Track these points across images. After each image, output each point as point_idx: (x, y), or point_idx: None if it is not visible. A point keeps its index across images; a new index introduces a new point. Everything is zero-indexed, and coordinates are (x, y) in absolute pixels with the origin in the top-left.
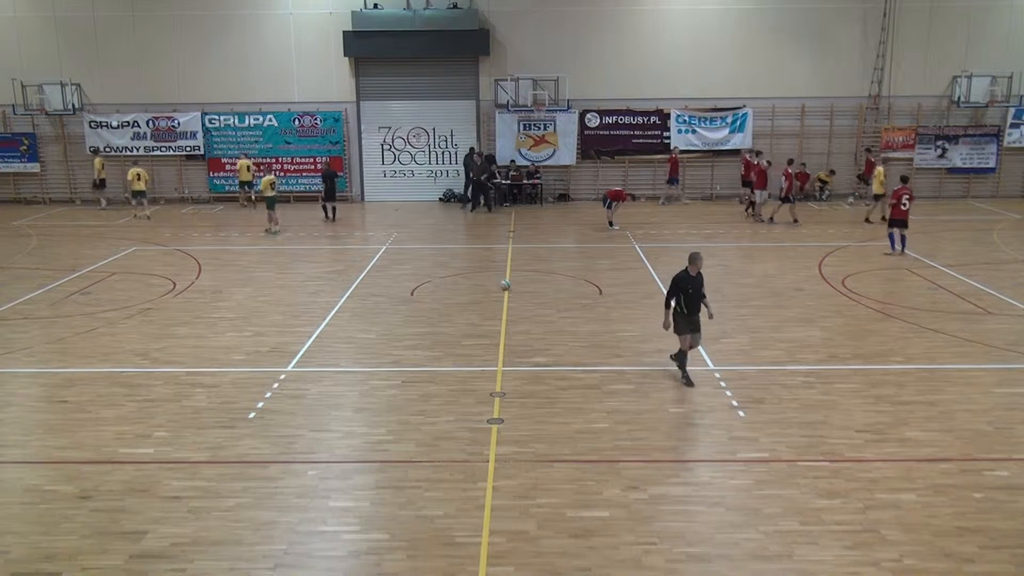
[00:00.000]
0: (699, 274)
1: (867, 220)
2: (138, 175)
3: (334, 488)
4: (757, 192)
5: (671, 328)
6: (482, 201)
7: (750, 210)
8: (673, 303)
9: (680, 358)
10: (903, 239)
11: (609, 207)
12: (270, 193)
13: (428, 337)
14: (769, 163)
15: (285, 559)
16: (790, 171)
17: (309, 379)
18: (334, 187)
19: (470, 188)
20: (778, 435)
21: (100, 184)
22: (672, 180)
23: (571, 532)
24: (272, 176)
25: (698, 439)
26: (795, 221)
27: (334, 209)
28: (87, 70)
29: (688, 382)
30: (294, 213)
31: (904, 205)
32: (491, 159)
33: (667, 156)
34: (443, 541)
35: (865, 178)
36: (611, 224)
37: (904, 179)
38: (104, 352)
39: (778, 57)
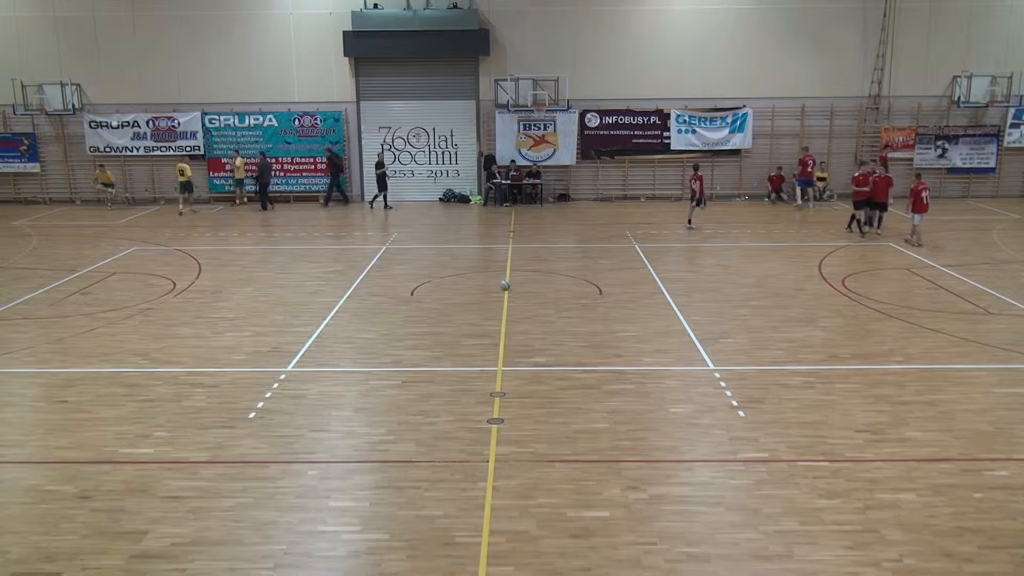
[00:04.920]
0: None
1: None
2: (104, 171)
3: (334, 488)
4: (916, 216)
5: None
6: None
7: (870, 227)
8: None
9: None
10: (880, 219)
11: (703, 205)
12: (182, 179)
13: (428, 337)
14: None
15: (285, 559)
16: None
17: (309, 379)
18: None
19: (333, 189)
20: (778, 435)
21: (186, 187)
22: (805, 182)
23: (571, 532)
24: (185, 164)
25: (698, 439)
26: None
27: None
28: (87, 70)
29: None
30: (295, 213)
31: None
32: (491, 159)
33: (731, 156)
34: (443, 541)
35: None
36: (690, 222)
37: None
38: (104, 352)
39: (778, 57)
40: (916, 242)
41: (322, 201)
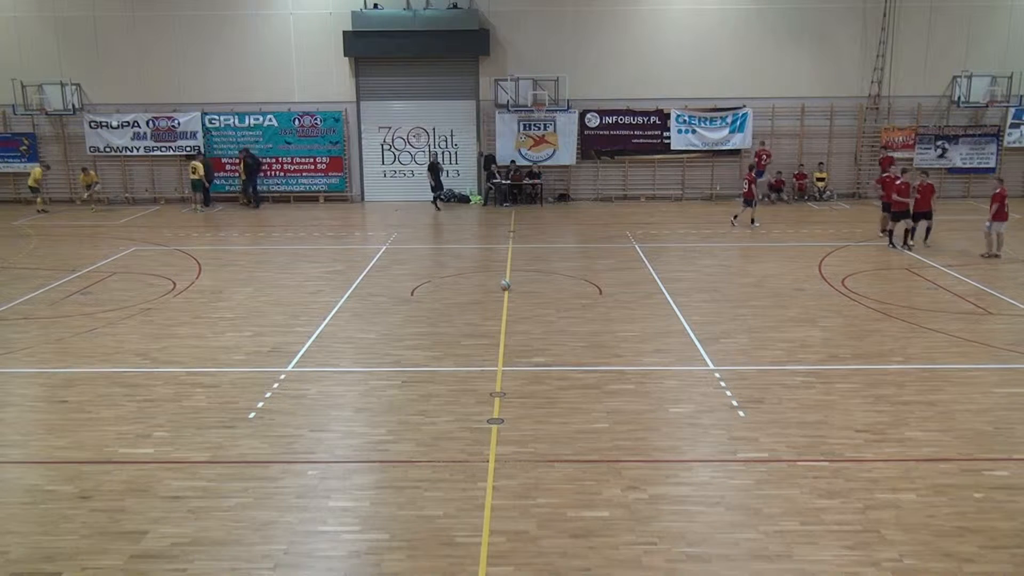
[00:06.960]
0: None
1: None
2: (87, 174)
3: (334, 488)
4: (997, 224)
5: None
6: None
7: (907, 240)
8: None
9: None
10: (928, 230)
11: (754, 206)
12: (194, 177)
13: (428, 337)
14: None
15: (285, 559)
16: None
17: (309, 379)
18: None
19: (251, 189)
20: (778, 435)
21: (196, 186)
22: (759, 173)
23: (571, 532)
24: (196, 162)
25: (698, 439)
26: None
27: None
28: (87, 70)
29: None
30: (294, 213)
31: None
32: (491, 159)
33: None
34: (443, 541)
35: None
36: (753, 221)
37: (1000, 180)
38: (104, 352)
39: (778, 57)
40: (993, 252)
41: (254, 204)
